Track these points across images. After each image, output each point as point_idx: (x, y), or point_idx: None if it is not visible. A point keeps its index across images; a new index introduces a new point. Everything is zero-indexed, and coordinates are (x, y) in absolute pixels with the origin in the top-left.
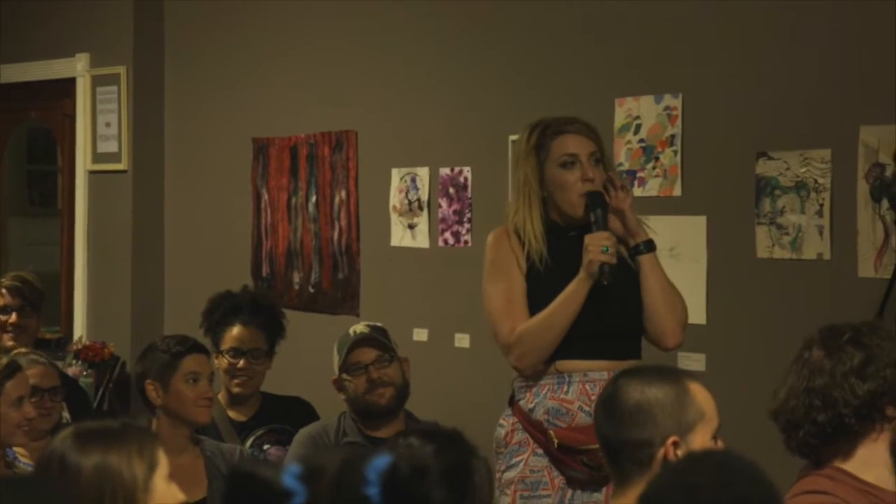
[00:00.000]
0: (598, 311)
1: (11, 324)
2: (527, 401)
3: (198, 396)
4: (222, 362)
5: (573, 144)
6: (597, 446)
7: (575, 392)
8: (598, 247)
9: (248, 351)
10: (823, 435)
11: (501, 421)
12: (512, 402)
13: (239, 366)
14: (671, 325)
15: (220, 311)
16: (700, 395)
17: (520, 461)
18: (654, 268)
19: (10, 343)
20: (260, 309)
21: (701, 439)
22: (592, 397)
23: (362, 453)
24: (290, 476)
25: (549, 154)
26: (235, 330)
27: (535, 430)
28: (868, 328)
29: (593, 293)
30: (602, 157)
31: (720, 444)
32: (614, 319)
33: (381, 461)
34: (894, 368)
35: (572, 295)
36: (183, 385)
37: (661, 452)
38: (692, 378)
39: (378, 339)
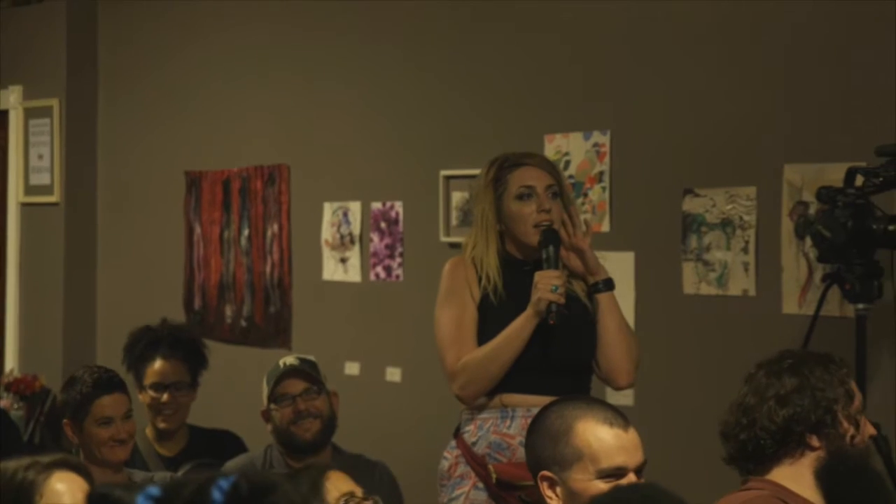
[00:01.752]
0: (546, 347)
1: None
2: (470, 433)
3: (109, 438)
4: (146, 398)
5: (530, 177)
6: (532, 483)
7: (517, 427)
8: (547, 285)
9: (170, 384)
10: (745, 452)
11: (445, 453)
12: (457, 434)
13: (163, 400)
14: (625, 364)
15: (140, 347)
16: (588, 434)
17: (461, 494)
18: (612, 307)
19: None
20: (179, 342)
21: (580, 478)
22: None
23: (220, 473)
24: (144, 498)
25: (506, 187)
26: (157, 364)
27: (477, 463)
28: (820, 360)
29: (543, 328)
30: (561, 193)
31: (631, 478)
32: (563, 356)
33: (227, 480)
34: (814, 400)
35: (517, 330)
36: (95, 428)
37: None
38: (595, 416)
39: (306, 371)
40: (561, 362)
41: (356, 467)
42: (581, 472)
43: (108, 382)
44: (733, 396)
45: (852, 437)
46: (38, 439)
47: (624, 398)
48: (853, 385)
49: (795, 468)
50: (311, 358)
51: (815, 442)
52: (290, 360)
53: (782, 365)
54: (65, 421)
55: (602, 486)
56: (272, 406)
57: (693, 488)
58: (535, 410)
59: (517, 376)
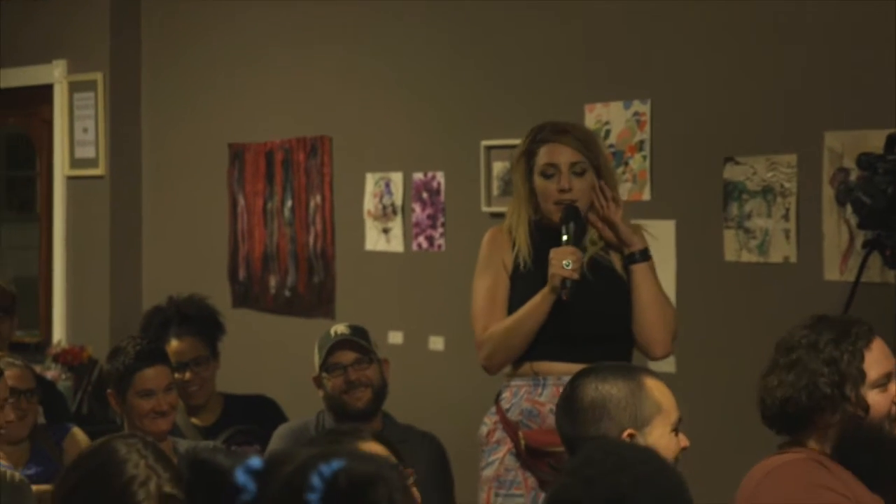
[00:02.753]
0: (570, 317)
1: None
2: (506, 400)
3: (151, 410)
4: None
5: (555, 154)
6: (562, 449)
7: (548, 394)
8: (559, 261)
9: (188, 362)
10: (781, 413)
11: (485, 419)
12: (497, 400)
13: (185, 378)
14: (660, 335)
15: (153, 329)
16: (656, 388)
17: (496, 460)
18: (646, 277)
19: None
20: (188, 318)
21: (659, 432)
22: None
23: (325, 453)
24: (243, 471)
25: (535, 162)
26: (172, 344)
27: (511, 430)
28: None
29: (572, 299)
30: (595, 167)
31: (682, 437)
32: (587, 326)
33: (330, 466)
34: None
35: (536, 305)
36: (136, 399)
37: None
38: (649, 373)
39: (356, 341)
40: (585, 332)
41: (406, 439)
42: (661, 425)
43: (151, 354)
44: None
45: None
46: (85, 410)
47: (666, 366)
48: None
49: (824, 433)
50: (362, 326)
51: (838, 412)
52: (341, 328)
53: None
54: (108, 391)
55: (678, 438)
56: (324, 374)
57: (732, 454)
58: (566, 379)
59: (545, 345)
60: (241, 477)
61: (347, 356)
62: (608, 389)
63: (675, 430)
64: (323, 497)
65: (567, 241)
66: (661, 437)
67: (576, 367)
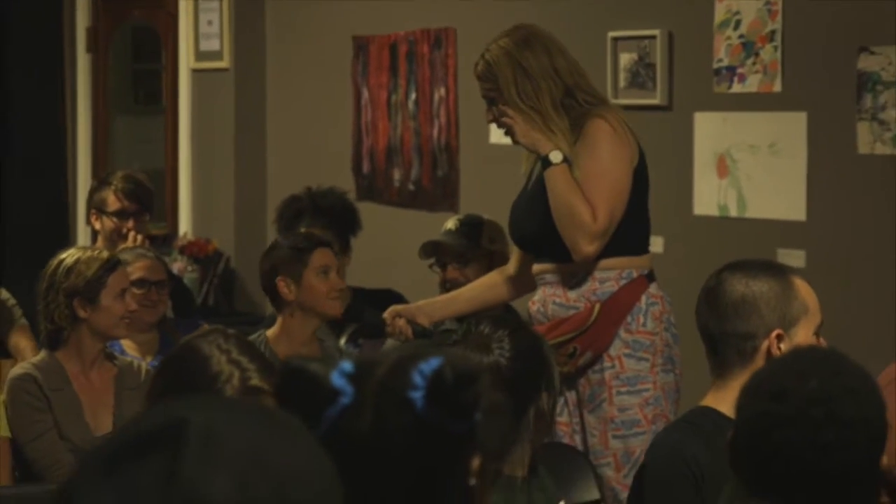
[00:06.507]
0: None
1: (129, 229)
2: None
3: (330, 289)
4: None
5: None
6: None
7: (539, 295)
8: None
9: None
10: None
11: None
12: None
13: None
14: (569, 240)
15: (286, 219)
16: (804, 290)
17: None
18: (548, 184)
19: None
20: (321, 210)
21: (804, 334)
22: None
23: (417, 354)
24: (338, 374)
25: None
26: None
27: None
28: None
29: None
30: (499, 94)
31: (822, 341)
32: (515, 231)
33: (429, 364)
34: None
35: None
36: (314, 278)
37: (764, 345)
38: (796, 273)
39: (449, 244)
40: (520, 239)
41: None
42: (806, 327)
43: (321, 238)
44: None
45: None
46: (211, 301)
47: (796, 260)
48: None
49: None
50: (477, 219)
51: None
52: (449, 224)
53: None
54: (279, 279)
55: (822, 340)
56: (434, 269)
57: (866, 350)
58: (548, 277)
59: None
60: (337, 380)
61: (445, 255)
62: (759, 287)
63: (817, 334)
64: (427, 393)
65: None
66: (806, 340)
67: (549, 266)
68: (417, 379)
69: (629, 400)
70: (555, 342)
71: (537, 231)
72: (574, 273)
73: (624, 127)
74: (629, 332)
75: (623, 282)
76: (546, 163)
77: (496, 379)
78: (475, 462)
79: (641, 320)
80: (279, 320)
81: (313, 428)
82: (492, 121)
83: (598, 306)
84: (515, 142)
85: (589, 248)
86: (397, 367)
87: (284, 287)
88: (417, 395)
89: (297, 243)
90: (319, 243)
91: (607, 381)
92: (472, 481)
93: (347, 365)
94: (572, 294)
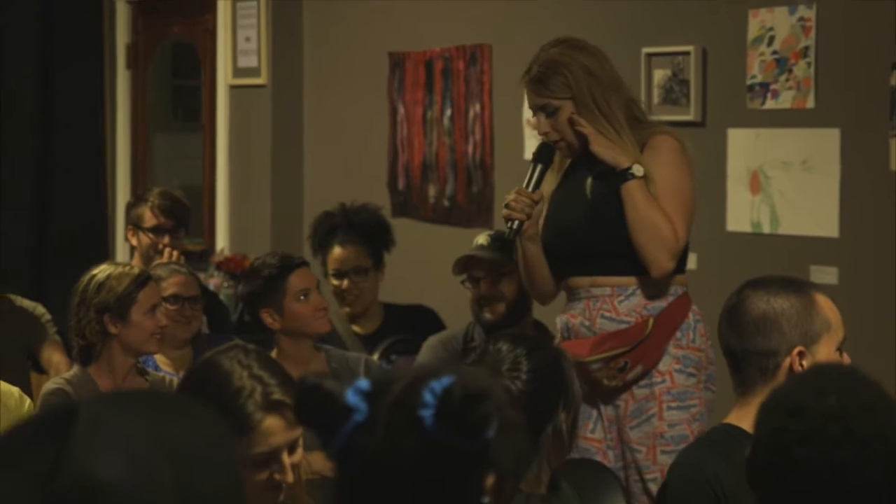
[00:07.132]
0: (547, 237)
1: (164, 245)
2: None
3: (313, 310)
4: (331, 284)
5: (528, 98)
6: (588, 359)
7: (580, 308)
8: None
9: (348, 271)
10: None
11: None
12: None
13: (343, 287)
14: (650, 256)
15: (319, 235)
16: (826, 306)
17: None
18: (629, 198)
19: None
20: (354, 226)
21: (826, 350)
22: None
23: (431, 372)
24: (353, 392)
25: None
26: (335, 252)
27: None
28: None
29: (552, 222)
30: (569, 99)
31: (845, 356)
32: (561, 245)
33: (441, 382)
34: None
35: (520, 252)
36: (295, 304)
37: (786, 362)
38: (818, 289)
39: (487, 257)
40: (562, 252)
41: None
42: (828, 343)
43: (293, 260)
44: None
45: None
46: (248, 317)
47: (828, 277)
48: None
49: None
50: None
51: None
52: (481, 239)
53: None
54: (262, 311)
55: (843, 358)
56: (466, 285)
57: (894, 369)
58: (595, 291)
59: (554, 265)
60: (352, 398)
61: (479, 271)
62: (780, 304)
63: (840, 350)
64: (436, 412)
65: (527, 182)
66: (828, 356)
67: (598, 279)
68: (428, 397)
69: (679, 415)
70: (603, 356)
71: (603, 244)
72: (625, 287)
73: (686, 145)
74: (679, 348)
75: (671, 298)
76: (625, 176)
77: (512, 397)
78: (489, 480)
79: (690, 336)
80: (275, 345)
81: (329, 444)
82: (545, 132)
83: (651, 321)
84: (573, 153)
85: (670, 263)
86: (411, 386)
87: (269, 318)
88: (427, 414)
89: (270, 272)
90: (293, 266)
91: (657, 395)
92: (486, 499)
93: (364, 383)
94: (622, 308)
